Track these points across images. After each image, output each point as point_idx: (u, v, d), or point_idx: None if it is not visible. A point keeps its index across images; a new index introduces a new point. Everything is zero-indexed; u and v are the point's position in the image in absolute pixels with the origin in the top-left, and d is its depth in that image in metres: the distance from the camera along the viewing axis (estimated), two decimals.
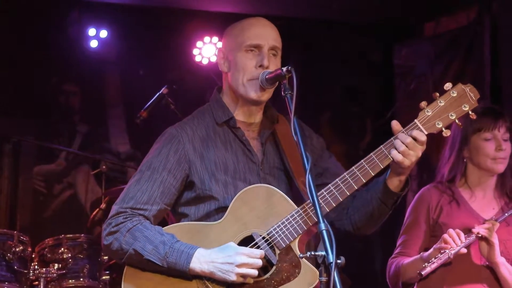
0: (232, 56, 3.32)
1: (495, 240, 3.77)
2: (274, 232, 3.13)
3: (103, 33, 7.09)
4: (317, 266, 3.05)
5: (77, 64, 7.11)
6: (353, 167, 3.18)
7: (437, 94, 3.17)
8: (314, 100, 7.51)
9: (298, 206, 3.18)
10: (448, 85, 3.16)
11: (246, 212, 3.15)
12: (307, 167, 2.92)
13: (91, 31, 7.06)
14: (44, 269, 5.10)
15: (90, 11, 7.07)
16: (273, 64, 3.30)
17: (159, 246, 3.09)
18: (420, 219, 4.04)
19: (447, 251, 3.72)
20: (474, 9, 7.05)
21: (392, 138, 3.16)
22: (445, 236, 3.75)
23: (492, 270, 3.87)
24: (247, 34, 3.30)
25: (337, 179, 3.17)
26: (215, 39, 7.31)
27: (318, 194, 3.09)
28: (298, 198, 3.21)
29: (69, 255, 5.22)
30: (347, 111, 7.93)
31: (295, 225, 3.12)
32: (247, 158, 3.30)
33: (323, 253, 2.77)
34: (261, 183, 3.26)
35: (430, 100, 3.18)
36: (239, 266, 3.03)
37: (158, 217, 3.25)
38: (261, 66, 3.27)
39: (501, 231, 3.87)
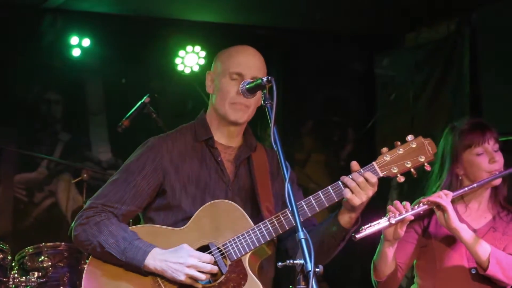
0: (218, 80, 3.53)
1: (446, 204, 3.77)
2: (228, 245, 3.35)
3: (86, 42, 7.10)
4: (285, 275, 3.17)
5: (60, 73, 7.12)
6: (319, 192, 3.35)
7: (399, 142, 3.40)
8: (296, 109, 7.56)
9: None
10: (410, 137, 3.40)
11: (207, 223, 3.39)
12: (286, 176, 3.05)
13: (74, 40, 7.07)
14: (24, 277, 5.09)
15: (73, 20, 7.08)
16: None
17: (120, 241, 3.35)
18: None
19: (389, 215, 3.69)
20: (454, 20, 7.12)
21: (349, 176, 3.34)
22: (389, 206, 3.74)
23: (483, 277, 3.86)
24: (231, 61, 3.51)
25: (301, 201, 3.36)
26: (197, 48, 7.35)
27: (281, 212, 3.35)
28: (259, 221, 3.40)
29: (50, 263, 5.22)
30: (329, 121, 7.97)
31: (249, 241, 3.34)
32: (219, 177, 3.52)
33: (302, 261, 2.84)
34: None
35: (391, 142, 3.40)
36: (188, 267, 3.26)
37: (127, 216, 3.51)
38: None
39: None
